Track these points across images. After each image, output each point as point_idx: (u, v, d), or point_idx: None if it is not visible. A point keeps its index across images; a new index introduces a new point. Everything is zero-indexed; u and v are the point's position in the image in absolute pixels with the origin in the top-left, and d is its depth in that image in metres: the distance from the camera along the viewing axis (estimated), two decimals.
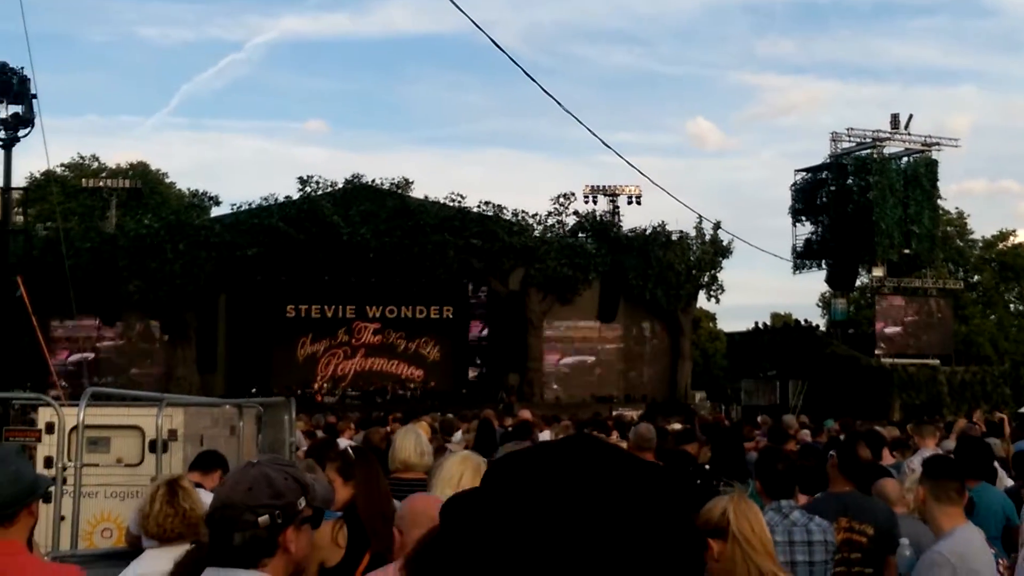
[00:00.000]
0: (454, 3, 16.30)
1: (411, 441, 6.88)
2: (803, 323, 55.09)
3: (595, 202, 50.30)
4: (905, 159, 52.11)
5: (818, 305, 71.14)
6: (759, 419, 22.69)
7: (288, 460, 3.08)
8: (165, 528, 5.08)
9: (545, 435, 14.12)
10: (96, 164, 64.75)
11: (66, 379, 21.92)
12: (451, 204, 45.11)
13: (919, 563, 5.13)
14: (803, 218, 55.07)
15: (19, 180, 19.71)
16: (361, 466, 5.10)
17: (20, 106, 18.56)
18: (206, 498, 5.91)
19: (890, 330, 49.44)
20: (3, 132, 18.40)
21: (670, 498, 1.20)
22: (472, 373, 50.73)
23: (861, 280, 54.91)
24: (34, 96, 18.69)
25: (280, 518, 2.73)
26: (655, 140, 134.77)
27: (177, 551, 4.95)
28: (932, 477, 5.37)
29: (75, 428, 8.48)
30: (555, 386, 46.56)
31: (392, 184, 45.78)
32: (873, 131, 51.50)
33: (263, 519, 2.71)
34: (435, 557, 1.27)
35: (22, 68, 18.51)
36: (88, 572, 4.28)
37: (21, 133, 18.54)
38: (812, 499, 6.58)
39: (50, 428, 10.13)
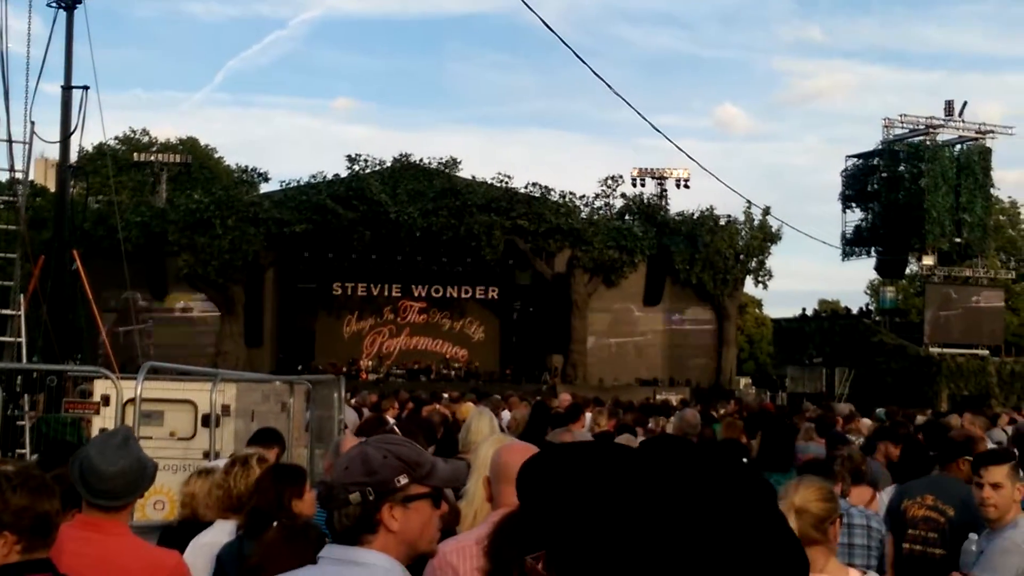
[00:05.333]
0: None
1: (485, 424, 6.84)
2: (851, 311, 54.72)
3: (643, 185, 50.13)
4: (958, 147, 51.44)
5: (866, 293, 70.53)
6: (804, 407, 22.62)
7: (402, 439, 3.08)
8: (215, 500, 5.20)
9: (587, 417, 14.12)
10: (147, 138, 65.27)
11: (114, 352, 22.17)
12: (498, 185, 45.03)
13: (988, 549, 5.16)
14: (853, 204, 54.55)
15: (71, 155, 19.61)
16: None
17: None
18: None
19: (939, 319, 48.84)
20: None
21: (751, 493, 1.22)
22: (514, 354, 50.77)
23: (911, 268, 54.34)
24: None
25: (372, 495, 2.74)
26: (698, 123, 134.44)
27: (232, 524, 5.05)
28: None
29: (131, 401, 8.61)
30: (598, 369, 46.44)
31: (440, 164, 45.87)
32: (926, 118, 50.88)
33: (353, 496, 2.74)
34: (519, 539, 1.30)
35: None
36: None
37: None
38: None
39: (106, 400, 10.29)
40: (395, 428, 6.31)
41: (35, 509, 3.28)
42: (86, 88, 18.47)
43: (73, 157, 19.62)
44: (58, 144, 18.94)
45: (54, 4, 18.50)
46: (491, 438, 5.27)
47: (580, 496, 1.18)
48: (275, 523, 4.42)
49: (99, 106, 19.91)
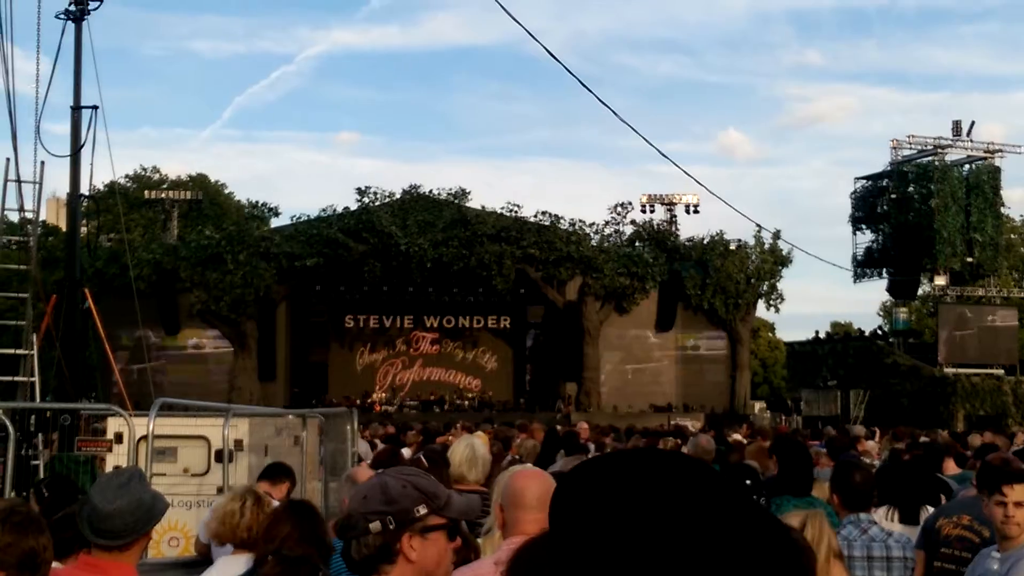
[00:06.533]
0: (509, 14, 16.37)
1: (459, 454, 6.61)
2: (864, 332, 54.55)
3: (652, 211, 50.17)
4: (967, 166, 51.37)
5: (879, 314, 70.38)
6: (823, 430, 22.52)
7: (417, 470, 3.08)
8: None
9: (592, 447, 14.06)
10: (157, 176, 65.61)
11: (128, 390, 22.20)
12: (508, 214, 45.09)
13: (1016, 567, 5.15)
14: (863, 226, 54.47)
15: (82, 182, 19.38)
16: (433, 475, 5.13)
17: None
18: None
19: (954, 339, 48.57)
20: (73, 5, 18.13)
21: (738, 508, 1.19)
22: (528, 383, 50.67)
23: (923, 289, 54.19)
24: None
25: (392, 524, 2.74)
26: (704, 149, 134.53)
27: (245, 557, 5.05)
28: None
29: (144, 438, 8.62)
30: (612, 396, 46.31)
31: (449, 194, 45.94)
32: (934, 138, 50.87)
33: (373, 525, 2.73)
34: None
35: None
36: None
37: (92, 6, 18.18)
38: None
39: (119, 438, 10.31)
40: (422, 459, 6.24)
41: (20, 546, 3.26)
42: (95, 108, 18.22)
43: (84, 188, 19.52)
44: (68, 179, 18.86)
45: (63, 16, 18.27)
46: (510, 468, 5.23)
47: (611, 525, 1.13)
48: (270, 557, 4.42)
49: (106, 130, 19.54)
